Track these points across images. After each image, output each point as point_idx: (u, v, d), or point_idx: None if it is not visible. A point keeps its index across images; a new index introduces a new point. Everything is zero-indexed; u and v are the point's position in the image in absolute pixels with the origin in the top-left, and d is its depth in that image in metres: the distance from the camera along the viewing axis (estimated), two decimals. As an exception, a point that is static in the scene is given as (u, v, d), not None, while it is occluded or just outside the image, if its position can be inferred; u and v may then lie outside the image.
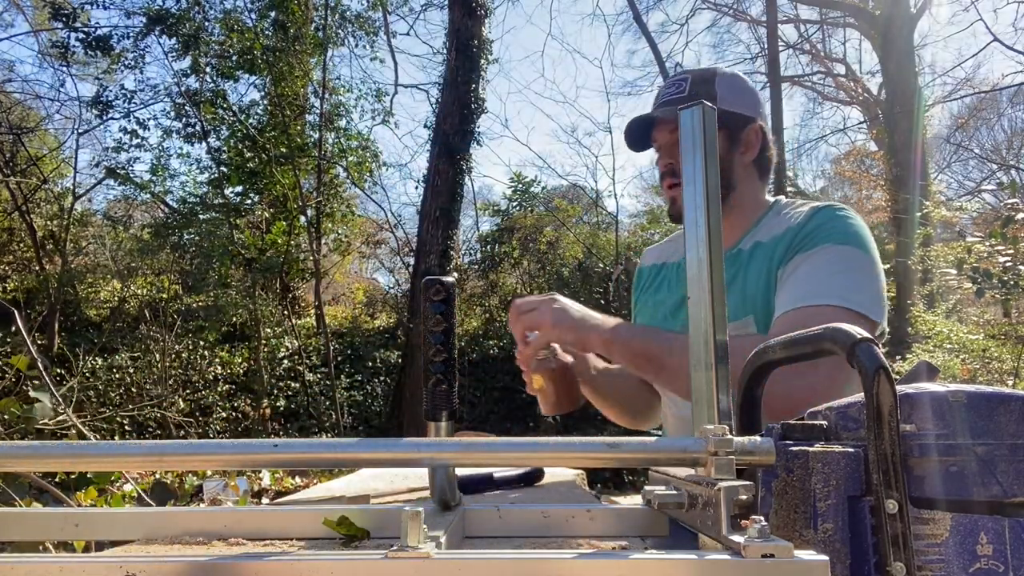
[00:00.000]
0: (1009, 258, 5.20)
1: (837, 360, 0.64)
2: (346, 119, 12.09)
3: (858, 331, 0.61)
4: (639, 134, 1.45)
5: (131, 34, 10.56)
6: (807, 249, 1.23)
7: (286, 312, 10.93)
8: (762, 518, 0.50)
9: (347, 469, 1.88)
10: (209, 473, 3.05)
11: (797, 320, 1.12)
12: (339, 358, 10.69)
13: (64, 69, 11.21)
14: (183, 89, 10.72)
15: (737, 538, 0.50)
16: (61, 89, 11.46)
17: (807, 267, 1.21)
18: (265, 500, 3.21)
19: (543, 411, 1.50)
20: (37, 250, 10.21)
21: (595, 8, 33.31)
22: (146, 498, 2.15)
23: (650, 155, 1.60)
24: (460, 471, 1.25)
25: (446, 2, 11.37)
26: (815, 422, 0.65)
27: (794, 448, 0.60)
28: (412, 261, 11.26)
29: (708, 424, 0.61)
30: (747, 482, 0.56)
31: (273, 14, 11.23)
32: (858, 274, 1.19)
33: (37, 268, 10.35)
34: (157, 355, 9.17)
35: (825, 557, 0.47)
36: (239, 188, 11.46)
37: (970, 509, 0.56)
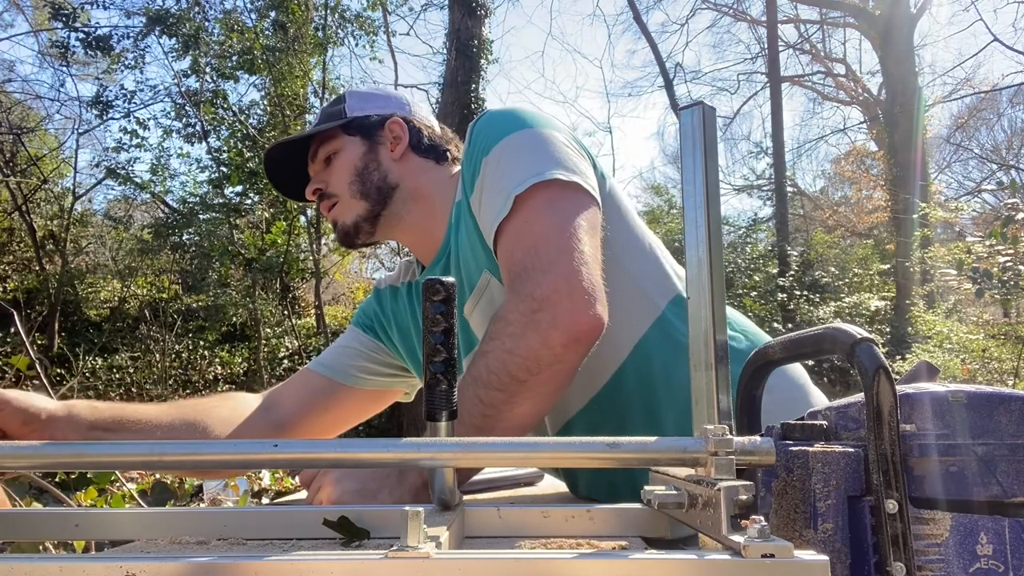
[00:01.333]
0: (1009, 258, 5.21)
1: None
2: (346, 119, 12.06)
3: (858, 331, 0.61)
4: (294, 187, 1.35)
5: (131, 34, 10.57)
6: (480, 168, 1.10)
7: (286, 312, 10.93)
8: (762, 518, 0.50)
9: (347, 469, 1.88)
10: (209, 473, 3.04)
11: (509, 240, 1.02)
12: (339, 358, 10.67)
13: (64, 69, 11.22)
14: (183, 89, 10.72)
15: (737, 538, 0.50)
16: (61, 89, 11.48)
17: (488, 181, 1.08)
18: (265, 500, 3.21)
19: None
20: (37, 250, 10.21)
21: (595, 8, 33.40)
22: (140, 501, 2.15)
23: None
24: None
25: (446, 2, 11.38)
26: (815, 422, 0.65)
27: (794, 448, 0.60)
28: (412, 261, 11.23)
29: (708, 424, 0.61)
30: (747, 482, 0.56)
31: (273, 14, 11.23)
32: (530, 152, 1.06)
33: (37, 268, 10.35)
34: (157, 355, 9.17)
35: (825, 557, 0.47)
36: (239, 188, 11.45)
37: (970, 509, 0.56)
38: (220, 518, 0.73)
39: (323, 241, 11.77)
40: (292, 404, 1.34)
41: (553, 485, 1.37)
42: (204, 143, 10.89)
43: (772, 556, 0.47)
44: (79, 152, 11.14)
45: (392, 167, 1.28)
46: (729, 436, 0.57)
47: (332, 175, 1.29)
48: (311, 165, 1.34)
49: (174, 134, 10.99)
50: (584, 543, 0.68)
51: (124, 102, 10.58)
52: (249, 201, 11.56)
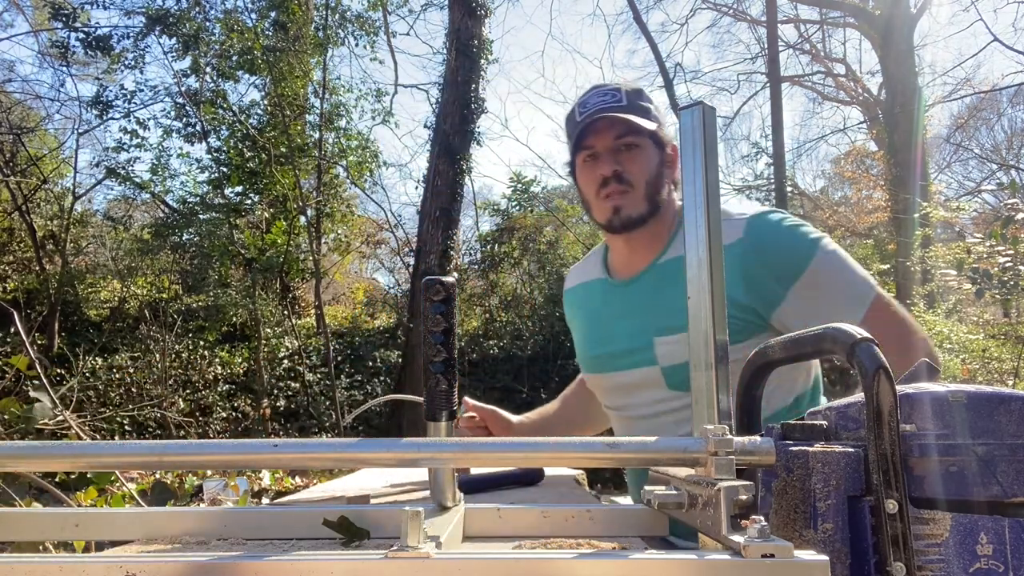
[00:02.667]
0: (1009, 258, 5.20)
1: None
2: (346, 119, 12.10)
3: (858, 331, 0.61)
4: (572, 137, 1.45)
5: (131, 34, 10.56)
6: (793, 281, 1.27)
7: (286, 312, 10.92)
8: (762, 518, 0.50)
9: (347, 469, 1.88)
10: (209, 473, 3.05)
11: (876, 321, 1.23)
12: (339, 358, 10.69)
13: (64, 69, 11.22)
14: (183, 89, 10.73)
15: (737, 538, 0.50)
16: (61, 89, 11.48)
17: (818, 281, 1.27)
18: (265, 500, 3.21)
19: None
20: (37, 250, 10.21)
21: (595, 8, 33.37)
22: (140, 501, 2.15)
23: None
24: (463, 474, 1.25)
25: (446, 2, 11.37)
26: (815, 422, 0.65)
27: (794, 448, 0.60)
28: (412, 261, 11.26)
29: (708, 424, 0.61)
30: (747, 482, 0.56)
31: (273, 14, 11.23)
32: (852, 265, 1.31)
33: (37, 268, 10.35)
34: (157, 355, 9.16)
35: (825, 557, 0.47)
36: (239, 188, 11.46)
37: (970, 509, 0.56)
38: (220, 518, 0.73)
39: (323, 241, 11.78)
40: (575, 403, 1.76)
41: (553, 485, 1.37)
42: (204, 143, 10.89)
43: (772, 556, 0.47)
44: (79, 152, 11.16)
45: (669, 187, 1.44)
46: (729, 436, 0.57)
47: (631, 164, 1.39)
48: (601, 135, 1.40)
49: (174, 134, 11.00)
50: (584, 543, 0.68)
51: (124, 102, 10.60)
52: (249, 201, 11.56)
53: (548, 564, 0.48)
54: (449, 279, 0.69)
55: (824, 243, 1.30)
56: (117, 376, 9.14)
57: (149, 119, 10.86)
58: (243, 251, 10.38)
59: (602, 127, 1.39)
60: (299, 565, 0.49)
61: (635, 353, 1.40)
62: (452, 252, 10.31)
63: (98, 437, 7.16)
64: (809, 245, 1.29)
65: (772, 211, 1.35)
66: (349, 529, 0.69)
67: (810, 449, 0.59)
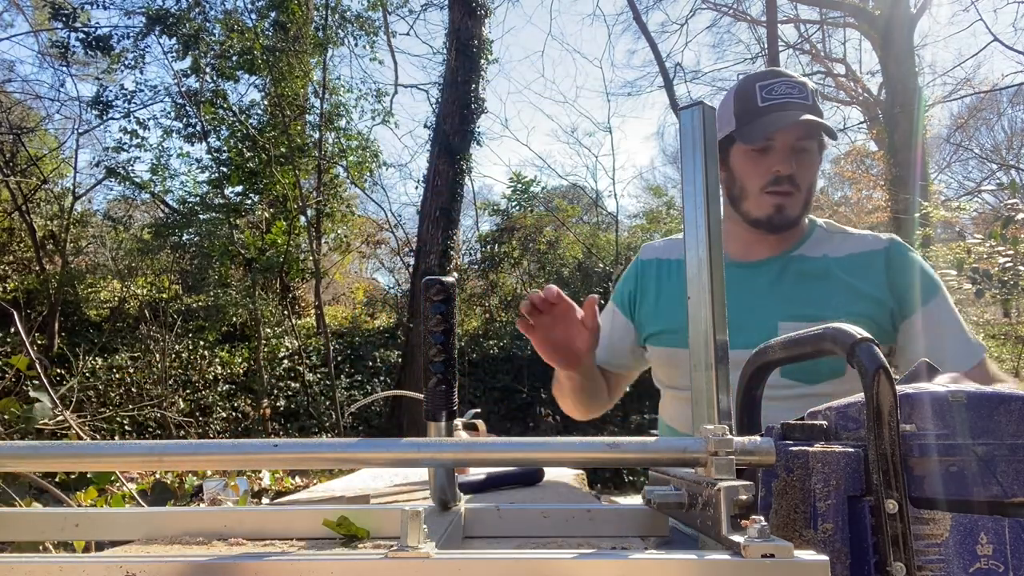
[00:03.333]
0: (1009, 258, 5.20)
1: None
2: (346, 119, 12.10)
3: (858, 331, 0.61)
4: (751, 122, 1.39)
5: (131, 34, 10.56)
6: (926, 302, 1.36)
7: (286, 312, 10.93)
8: (762, 518, 0.50)
9: (347, 469, 1.88)
10: (209, 473, 3.05)
11: (979, 376, 1.29)
12: (339, 358, 10.69)
13: (64, 69, 11.22)
14: (183, 89, 10.73)
15: (737, 538, 0.50)
16: (61, 89, 11.48)
17: (942, 317, 1.36)
18: (265, 500, 3.21)
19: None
20: (37, 250, 10.21)
21: (595, 8, 33.37)
22: (141, 500, 2.15)
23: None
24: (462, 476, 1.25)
25: (446, 2, 11.38)
26: (815, 422, 0.65)
27: (794, 448, 0.60)
28: (412, 261, 11.26)
29: (708, 424, 0.61)
30: (747, 482, 0.56)
31: (273, 14, 11.23)
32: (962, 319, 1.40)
33: (37, 268, 10.35)
34: (157, 355, 9.16)
35: (825, 557, 0.47)
36: (239, 188, 11.46)
37: (970, 509, 0.56)
38: (220, 518, 0.73)
39: (323, 241, 11.78)
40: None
41: (553, 485, 1.37)
42: (204, 143, 10.89)
43: (772, 556, 0.47)
44: (79, 152, 11.16)
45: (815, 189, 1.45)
46: (729, 436, 0.57)
47: (803, 168, 1.39)
48: (789, 131, 1.36)
49: (174, 134, 11.00)
50: (584, 543, 0.68)
51: (124, 102, 10.59)
52: (249, 201, 11.56)
53: (548, 564, 0.48)
54: (449, 279, 0.69)
55: (943, 287, 1.40)
56: (117, 376, 9.14)
57: (149, 119, 10.87)
58: (243, 251, 10.38)
59: (788, 122, 1.35)
60: (299, 565, 0.49)
61: (751, 333, 1.32)
62: (452, 252, 10.31)
63: (98, 437, 7.16)
64: (937, 282, 1.39)
65: (903, 243, 1.45)
66: (349, 529, 0.69)
67: (810, 449, 0.59)
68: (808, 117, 1.34)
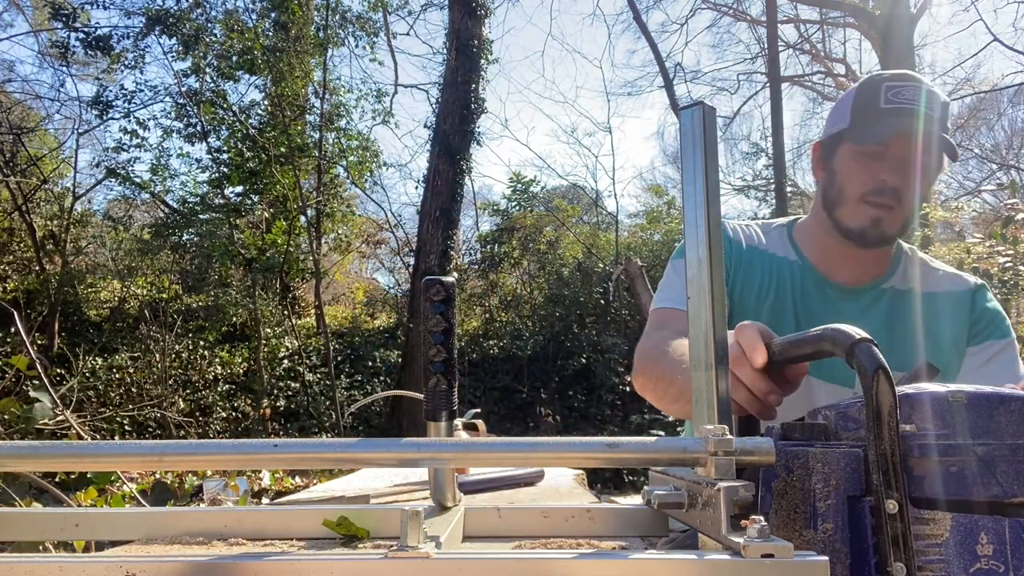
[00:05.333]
0: (1009, 258, 5.20)
1: None
2: (346, 119, 12.11)
3: (857, 331, 0.61)
4: (867, 123, 1.28)
5: (131, 34, 10.56)
6: (999, 337, 1.35)
7: (286, 312, 10.93)
8: (762, 518, 0.50)
9: (347, 469, 1.88)
10: (209, 473, 3.05)
11: None
12: (339, 358, 10.69)
13: (64, 69, 11.22)
14: (183, 89, 10.73)
15: (737, 538, 0.50)
16: (61, 89, 11.47)
17: (1010, 357, 1.33)
18: (265, 500, 3.20)
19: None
20: (37, 250, 10.21)
21: (595, 8, 33.28)
22: (141, 500, 2.15)
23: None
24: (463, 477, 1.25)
25: (446, 2, 11.38)
26: (815, 422, 0.65)
27: (794, 448, 0.60)
28: (412, 261, 11.26)
29: (708, 424, 0.61)
30: (747, 482, 0.56)
31: (273, 14, 11.23)
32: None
33: (37, 268, 10.35)
34: (157, 355, 9.16)
35: (825, 557, 0.47)
36: (239, 188, 11.46)
37: (970, 509, 0.56)
38: (220, 518, 0.73)
39: (323, 241, 11.78)
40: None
41: (553, 485, 1.37)
42: (204, 143, 10.89)
43: (771, 556, 0.47)
44: (79, 152, 11.14)
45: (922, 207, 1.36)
46: (729, 436, 0.57)
47: (910, 184, 1.27)
48: (906, 140, 1.25)
49: (174, 134, 11.00)
50: (584, 543, 0.68)
51: (124, 102, 10.59)
52: (249, 201, 11.56)
53: (548, 564, 0.48)
54: (449, 279, 0.69)
55: (1015, 337, 1.39)
56: (117, 376, 9.14)
57: (149, 119, 10.87)
58: (243, 251, 10.38)
59: (909, 131, 1.24)
60: (299, 565, 0.49)
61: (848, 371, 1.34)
62: (452, 252, 10.32)
63: (98, 437, 7.16)
64: (1009, 328, 1.38)
65: (988, 288, 1.44)
66: (349, 529, 0.69)
67: (810, 449, 0.59)
68: (928, 129, 1.24)
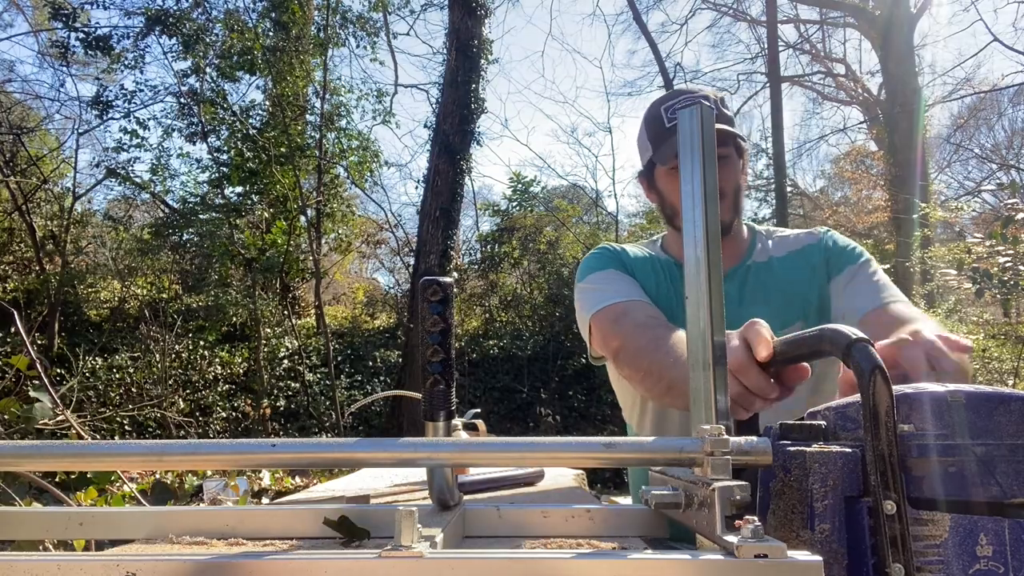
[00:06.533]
0: (1009, 258, 5.20)
1: None
2: (347, 119, 12.11)
3: (854, 331, 0.61)
4: (662, 144, 1.47)
5: (131, 34, 10.56)
6: (852, 262, 1.49)
7: (286, 312, 10.93)
8: (755, 518, 0.50)
9: (347, 469, 1.88)
10: (209, 473, 3.05)
11: (885, 316, 1.34)
12: (339, 358, 10.69)
13: (64, 69, 11.22)
14: (184, 89, 10.73)
15: (731, 538, 0.50)
16: (61, 89, 11.48)
17: (864, 275, 1.46)
18: (265, 500, 3.21)
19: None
20: (37, 250, 10.21)
21: (595, 8, 33.33)
22: (141, 500, 2.15)
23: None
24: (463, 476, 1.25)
25: (446, 2, 11.37)
26: (813, 422, 0.65)
27: (791, 448, 0.60)
28: (412, 261, 11.26)
29: (705, 424, 0.61)
30: (742, 482, 0.56)
31: (274, 14, 11.23)
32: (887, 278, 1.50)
33: (37, 268, 10.35)
34: (157, 355, 9.16)
35: (819, 558, 0.47)
36: (239, 188, 11.47)
37: (969, 510, 0.56)
38: (220, 518, 0.73)
39: (323, 241, 11.78)
40: None
41: (553, 485, 1.37)
42: (204, 143, 10.89)
43: (765, 556, 0.47)
44: (79, 152, 11.15)
45: (742, 195, 1.51)
46: (725, 436, 0.57)
47: (722, 175, 1.41)
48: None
49: (175, 134, 11.00)
50: (584, 543, 0.68)
51: (124, 102, 10.59)
52: (249, 201, 11.57)
53: (542, 564, 0.48)
54: (446, 279, 0.69)
55: (870, 258, 1.52)
56: (117, 376, 9.14)
57: (149, 119, 10.87)
58: (243, 251, 10.38)
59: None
60: (292, 564, 0.49)
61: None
62: (452, 252, 10.31)
63: (98, 437, 7.16)
64: (863, 251, 1.53)
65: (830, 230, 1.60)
66: (349, 529, 0.69)
67: (807, 449, 0.59)
68: (725, 128, 1.41)
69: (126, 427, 8.32)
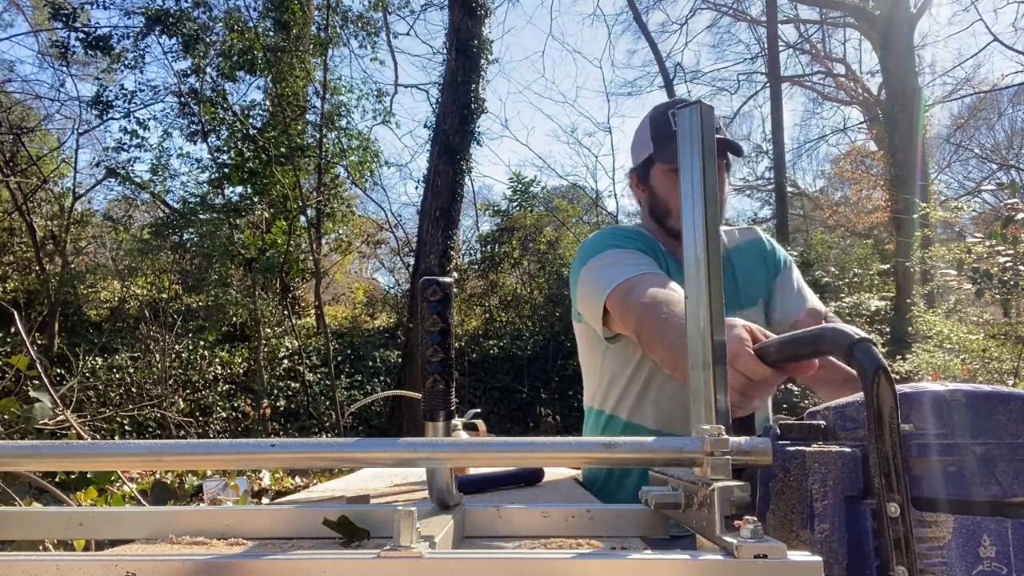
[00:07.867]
0: (1009, 258, 5.20)
1: None
2: (347, 119, 12.10)
3: (856, 331, 0.61)
4: (667, 144, 1.52)
5: (131, 34, 10.56)
6: (786, 265, 1.65)
7: (286, 312, 10.92)
8: (755, 518, 0.50)
9: (347, 469, 1.88)
10: (209, 473, 3.05)
11: (813, 318, 1.54)
12: (339, 358, 10.69)
13: (64, 69, 11.21)
14: (185, 89, 10.73)
15: (731, 538, 0.50)
16: (61, 89, 11.47)
17: (796, 277, 1.64)
18: (265, 500, 3.21)
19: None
20: (37, 250, 10.21)
21: (595, 8, 33.28)
22: (141, 500, 2.15)
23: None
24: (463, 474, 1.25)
25: (446, 2, 11.37)
26: (813, 422, 0.64)
27: (791, 448, 0.60)
28: (412, 261, 11.25)
29: (705, 424, 0.61)
30: (742, 482, 0.56)
31: (274, 14, 11.23)
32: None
33: (37, 268, 10.35)
34: (157, 355, 9.16)
35: (818, 558, 0.47)
36: (239, 188, 11.46)
37: (969, 509, 0.56)
38: (220, 518, 0.73)
39: (323, 241, 11.78)
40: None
41: (553, 485, 1.37)
42: (205, 143, 10.89)
43: (764, 556, 0.47)
44: (79, 152, 11.14)
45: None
46: (725, 436, 0.57)
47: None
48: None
49: (175, 134, 11.01)
50: (584, 543, 0.68)
51: (124, 102, 10.59)
52: (249, 201, 11.56)
53: (540, 564, 0.48)
54: (446, 279, 0.69)
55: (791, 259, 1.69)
56: (117, 376, 9.13)
57: (149, 119, 10.87)
58: (243, 251, 10.38)
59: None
60: (290, 564, 0.49)
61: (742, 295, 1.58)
62: (452, 252, 10.30)
63: (98, 437, 7.16)
64: (786, 256, 1.69)
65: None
66: (349, 529, 0.69)
67: (807, 449, 0.59)
68: (722, 137, 1.47)
69: (126, 427, 8.32)
